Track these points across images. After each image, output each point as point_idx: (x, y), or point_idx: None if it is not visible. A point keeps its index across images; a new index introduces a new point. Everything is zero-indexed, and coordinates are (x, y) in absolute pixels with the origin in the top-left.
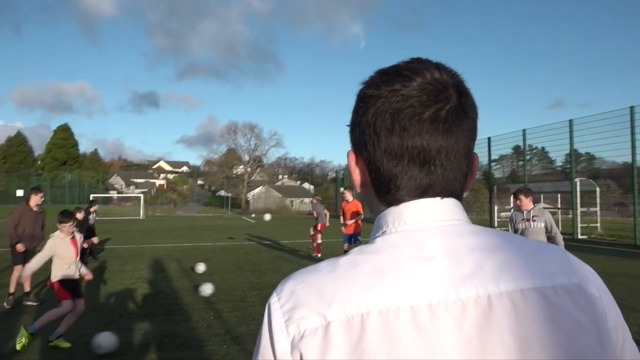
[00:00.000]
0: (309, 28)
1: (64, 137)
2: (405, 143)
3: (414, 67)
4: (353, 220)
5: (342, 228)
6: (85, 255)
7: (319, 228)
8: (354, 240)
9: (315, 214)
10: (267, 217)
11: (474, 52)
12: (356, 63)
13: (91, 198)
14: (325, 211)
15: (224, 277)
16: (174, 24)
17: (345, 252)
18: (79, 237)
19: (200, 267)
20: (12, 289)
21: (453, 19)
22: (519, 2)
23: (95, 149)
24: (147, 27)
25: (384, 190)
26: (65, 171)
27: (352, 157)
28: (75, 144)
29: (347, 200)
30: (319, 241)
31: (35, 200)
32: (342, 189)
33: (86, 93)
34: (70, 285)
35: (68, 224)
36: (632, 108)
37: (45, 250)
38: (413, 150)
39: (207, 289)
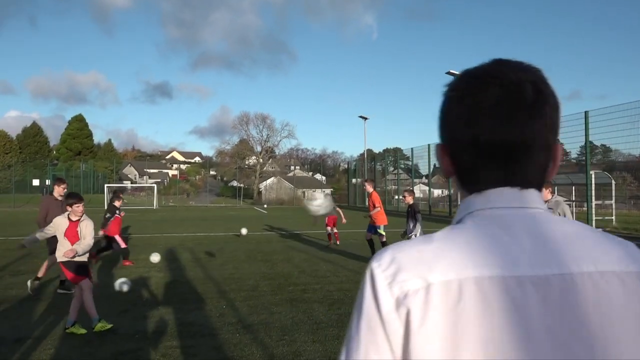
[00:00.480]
0: (322, 18)
1: (78, 127)
2: (481, 139)
3: (494, 70)
4: (372, 212)
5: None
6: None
7: (326, 221)
8: (374, 231)
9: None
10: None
11: (489, 42)
12: (369, 54)
13: (106, 189)
14: (338, 209)
15: (237, 267)
16: (187, 15)
17: (369, 241)
18: (86, 223)
19: (154, 258)
20: (40, 274)
21: (467, 8)
22: None
23: (109, 140)
24: (160, 18)
25: (465, 180)
26: (80, 161)
27: (440, 148)
28: (89, 135)
29: (367, 192)
30: (329, 232)
31: (58, 190)
32: (359, 180)
33: (100, 84)
34: (72, 266)
35: (82, 204)
36: None
37: (49, 227)
38: (488, 146)
39: (124, 286)
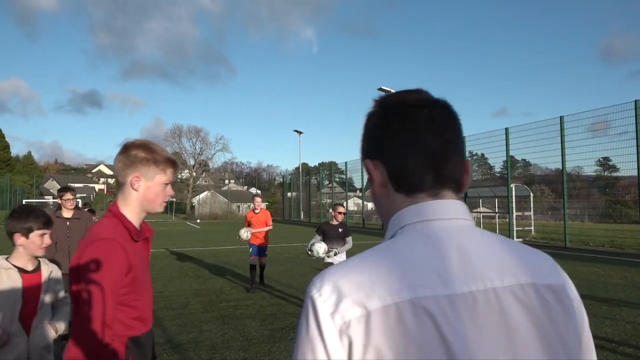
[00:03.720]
0: (261, 31)
1: None
2: (407, 140)
3: (407, 90)
4: (264, 229)
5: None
6: None
7: None
8: (263, 252)
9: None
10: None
11: (424, 59)
12: (309, 67)
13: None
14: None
15: (166, 284)
16: (119, 21)
17: (253, 266)
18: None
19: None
20: None
21: (404, 26)
22: (472, 11)
23: (29, 152)
24: (89, 23)
25: (400, 185)
26: None
27: (369, 163)
28: (6, 146)
29: (255, 210)
30: None
31: (65, 205)
32: (294, 194)
33: (21, 92)
34: None
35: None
36: (561, 117)
37: None
38: (421, 151)
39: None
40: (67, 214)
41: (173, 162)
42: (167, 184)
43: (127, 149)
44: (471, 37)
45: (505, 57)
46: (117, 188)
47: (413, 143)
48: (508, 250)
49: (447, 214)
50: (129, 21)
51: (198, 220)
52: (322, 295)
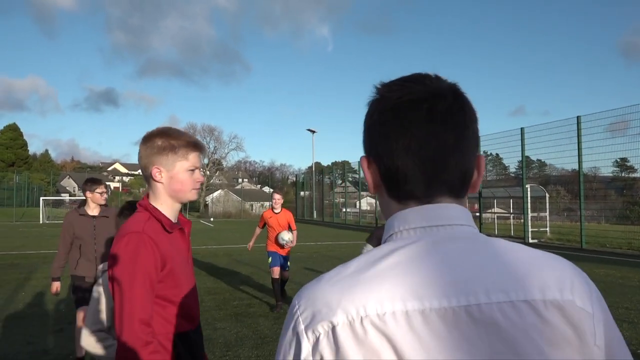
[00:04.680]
0: (276, 29)
1: (12, 137)
2: (401, 140)
3: (413, 77)
4: (294, 238)
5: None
6: None
7: None
8: (286, 264)
9: None
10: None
11: (440, 58)
12: (323, 66)
13: (42, 202)
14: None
15: None
16: (135, 20)
17: (276, 280)
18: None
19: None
20: (80, 353)
21: (420, 24)
22: (489, 9)
23: (46, 150)
24: (106, 22)
25: (391, 189)
26: (13, 172)
27: (364, 161)
28: (24, 145)
29: (274, 210)
30: None
31: (94, 198)
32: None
33: (39, 89)
34: None
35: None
36: (578, 117)
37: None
38: (410, 147)
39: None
40: (93, 211)
41: (195, 145)
42: (192, 169)
43: (146, 139)
44: (489, 35)
45: (523, 56)
46: (145, 181)
47: (407, 143)
48: (506, 261)
49: (437, 220)
50: (145, 20)
51: (212, 219)
52: (301, 307)
